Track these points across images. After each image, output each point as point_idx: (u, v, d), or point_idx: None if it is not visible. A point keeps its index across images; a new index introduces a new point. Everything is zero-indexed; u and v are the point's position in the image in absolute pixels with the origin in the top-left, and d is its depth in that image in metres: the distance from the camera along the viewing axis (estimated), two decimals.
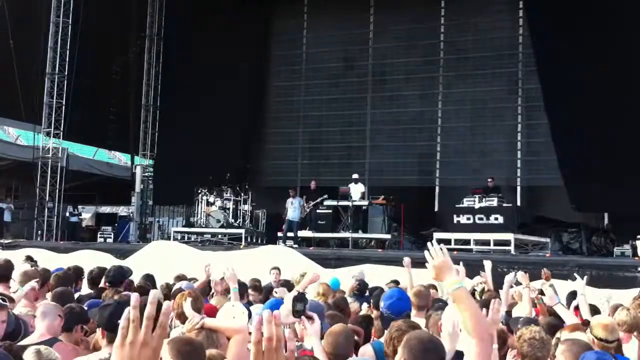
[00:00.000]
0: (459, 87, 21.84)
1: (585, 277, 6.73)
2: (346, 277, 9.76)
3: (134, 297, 1.67)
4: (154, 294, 1.63)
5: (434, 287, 7.65)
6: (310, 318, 3.63)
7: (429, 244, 3.05)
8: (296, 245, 17.46)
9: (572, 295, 6.83)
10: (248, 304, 5.41)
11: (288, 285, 7.84)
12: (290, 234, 18.41)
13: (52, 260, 11.91)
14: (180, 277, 8.16)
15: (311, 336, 3.61)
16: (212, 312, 4.56)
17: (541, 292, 7.50)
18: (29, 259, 10.82)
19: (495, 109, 21.30)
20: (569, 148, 17.84)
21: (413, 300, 5.32)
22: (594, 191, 17.20)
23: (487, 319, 3.22)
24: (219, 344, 3.49)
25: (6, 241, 18.57)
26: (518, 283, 7.36)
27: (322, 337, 3.83)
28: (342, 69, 23.46)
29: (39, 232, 22.27)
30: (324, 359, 3.46)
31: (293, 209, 18.38)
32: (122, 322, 1.66)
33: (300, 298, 3.64)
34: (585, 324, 4.71)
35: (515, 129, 21.17)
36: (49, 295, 6.19)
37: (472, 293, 7.88)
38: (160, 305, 1.66)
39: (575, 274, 6.35)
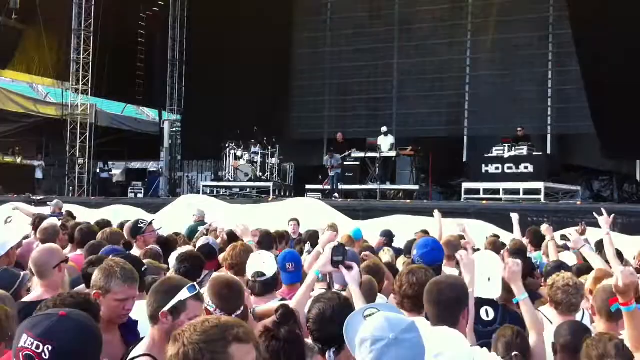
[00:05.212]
0: (488, 34, 21.38)
1: (612, 216, 6.49)
2: (370, 230, 9.79)
3: None
4: None
5: (463, 237, 7.63)
6: (349, 267, 3.67)
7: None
8: (340, 199, 17.60)
9: (600, 244, 6.73)
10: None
11: (315, 236, 7.89)
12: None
13: (84, 215, 12.08)
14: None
15: (351, 283, 3.64)
16: None
17: (564, 237, 7.44)
18: (70, 214, 11.08)
19: (525, 56, 20.83)
20: (600, 95, 17.45)
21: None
22: (626, 138, 16.89)
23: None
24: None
25: (38, 197, 18.87)
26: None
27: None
28: (368, 18, 23.04)
29: (71, 188, 22.59)
30: (363, 304, 3.48)
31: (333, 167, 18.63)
32: None
33: (339, 248, 3.71)
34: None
35: (546, 76, 20.75)
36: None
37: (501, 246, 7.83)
38: None
39: (602, 209, 6.16)
